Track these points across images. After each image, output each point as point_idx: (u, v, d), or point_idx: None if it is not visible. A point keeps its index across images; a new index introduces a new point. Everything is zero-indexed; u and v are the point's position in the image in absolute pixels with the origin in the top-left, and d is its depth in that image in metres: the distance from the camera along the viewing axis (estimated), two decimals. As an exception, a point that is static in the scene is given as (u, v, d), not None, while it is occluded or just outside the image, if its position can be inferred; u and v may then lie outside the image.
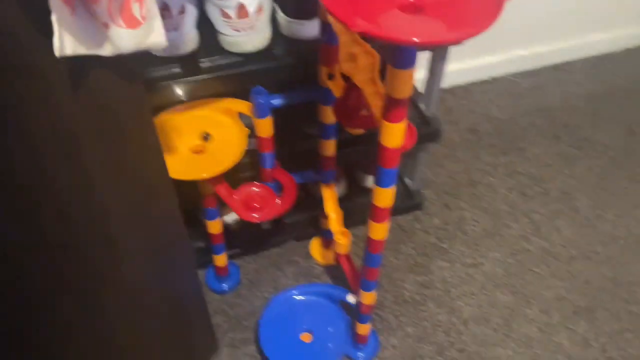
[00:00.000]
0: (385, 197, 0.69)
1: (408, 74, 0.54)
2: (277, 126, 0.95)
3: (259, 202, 0.85)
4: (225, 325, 1.07)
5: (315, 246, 1.18)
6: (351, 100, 0.69)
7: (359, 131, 0.72)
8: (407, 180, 1.26)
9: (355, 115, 0.69)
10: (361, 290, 0.88)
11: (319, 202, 1.13)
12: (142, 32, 0.45)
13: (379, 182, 0.66)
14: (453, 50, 1.49)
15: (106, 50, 0.44)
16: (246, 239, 1.18)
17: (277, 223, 1.20)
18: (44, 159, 0.48)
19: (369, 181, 1.22)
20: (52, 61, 0.44)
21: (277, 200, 0.87)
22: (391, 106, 0.57)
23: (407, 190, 1.26)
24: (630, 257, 1.18)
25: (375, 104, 0.62)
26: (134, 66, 0.50)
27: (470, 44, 1.56)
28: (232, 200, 0.85)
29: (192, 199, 0.96)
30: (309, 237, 1.20)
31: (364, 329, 0.96)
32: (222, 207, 1.11)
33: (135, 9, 0.43)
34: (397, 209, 1.24)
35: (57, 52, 0.40)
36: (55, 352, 0.69)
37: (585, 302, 1.11)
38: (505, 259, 1.17)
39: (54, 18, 0.38)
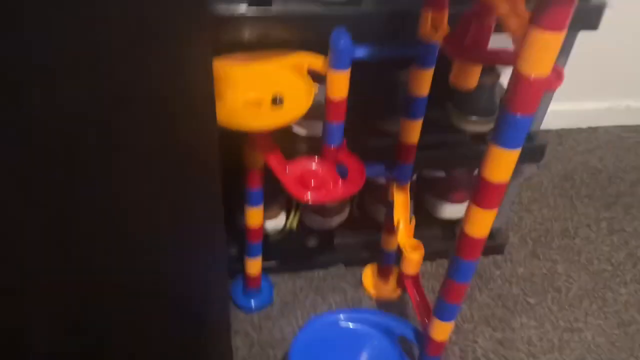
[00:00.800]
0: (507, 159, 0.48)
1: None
2: (347, 120, 0.79)
3: (316, 181, 0.66)
4: (244, 350, 0.85)
5: (368, 274, 0.96)
6: (471, 35, 0.51)
7: (472, 81, 0.53)
8: (487, 217, 1.04)
9: (475, 49, 0.51)
10: (434, 319, 0.65)
11: (377, 224, 0.93)
12: None
13: (505, 143, 0.47)
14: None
15: None
16: (286, 254, 0.98)
17: (326, 242, 1.00)
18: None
19: (444, 211, 1.01)
20: None
21: (339, 184, 0.67)
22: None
23: (488, 228, 1.03)
24: None
25: (514, 25, 0.43)
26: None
27: (569, 84, 1.37)
28: (284, 174, 0.67)
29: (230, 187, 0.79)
30: (362, 263, 0.98)
31: (426, 379, 0.72)
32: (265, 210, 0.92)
33: None
34: (473, 249, 1.02)
35: None
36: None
37: None
38: (611, 329, 0.91)
39: None
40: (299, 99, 0.65)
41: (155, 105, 0.44)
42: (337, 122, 0.68)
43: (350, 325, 0.77)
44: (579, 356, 0.87)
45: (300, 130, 0.83)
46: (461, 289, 0.60)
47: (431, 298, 0.92)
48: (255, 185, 0.75)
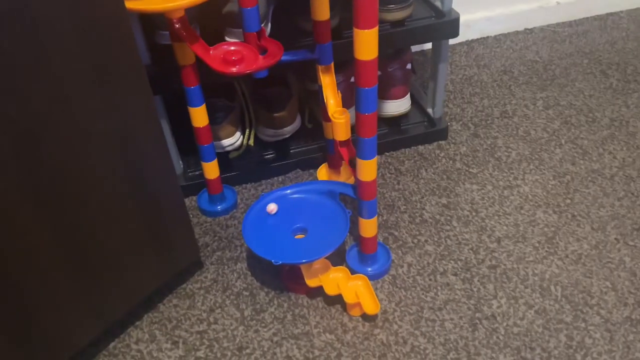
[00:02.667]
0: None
1: None
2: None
3: (238, 58, 0.75)
4: (214, 245, 0.93)
5: (323, 171, 1.04)
6: None
7: None
8: (429, 110, 1.12)
9: None
10: (358, 161, 0.73)
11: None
12: None
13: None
14: (481, -2, 1.40)
15: None
16: (247, 167, 1.06)
17: (282, 152, 1.08)
18: None
19: (386, 109, 1.09)
20: None
21: (260, 58, 0.76)
22: None
23: (429, 119, 1.12)
24: None
25: None
26: None
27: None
28: (208, 56, 0.75)
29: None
30: (317, 165, 1.06)
31: (369, 226, 0.80)
32: (216, 131, 1.00)
33: None
34: (418, 138, 1.10)
35: None
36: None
37: (650, 219, 0.90)
38: (547, 181, 0.99)
39: None
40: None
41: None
42: (251, 7, 0.77)
43: (297, 195, 0.85)
44: (518, 205, 0.95)
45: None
46: (370, 120, 0.68)
47: (382, 186, 1.00)
48: (192, 83, 0.83)
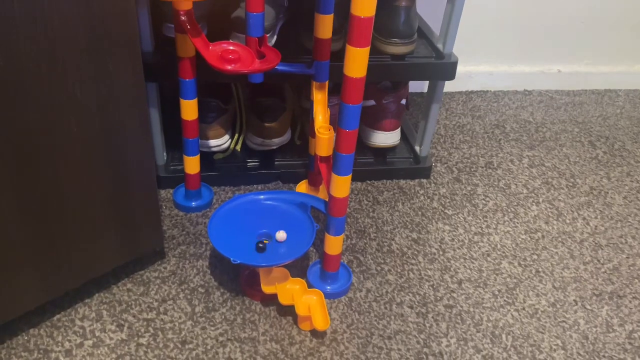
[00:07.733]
0: None
1: None
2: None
3: (235, 58, 0.77)
4: (180, 239, 0.93)
5: (302, 188, 1.05)
6: None
7: None
8: (416, 148, 1.14)
9: None
10: (333, 176, 0.74)
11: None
12: None
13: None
14: (484, 53, 1.43)
15: None
16: (229, 170, 1.07)
17: (266, 162, 1.09)
18: None
19: (375, 139, 1.11)
20: None
21: (257, 61, 0.77)
22: None
23: (415, 156, 1.13)
24: (672, 257, 0.98)
25: None
26: None
27: (504, 49, 1.49)
28: (207, 51, 0.77)
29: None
30: (298, 180, 1.07)
31: (334, 244, 0.80)
32: (206, 130, 1.02)
33: None
34: (401, 172, 1.11)
35: None
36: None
37: (611, 288, 0.90)
38: (518, 234, 1.00)
39: None
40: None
41: None
42: (256, 12, 0.79)
43: (270, 202, 0.86)
44: (485, 252, 0.95)
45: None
46: (350, 136, 0.70)
47: (357, 211, 1.01)
48: (187, 75, 0.85)
